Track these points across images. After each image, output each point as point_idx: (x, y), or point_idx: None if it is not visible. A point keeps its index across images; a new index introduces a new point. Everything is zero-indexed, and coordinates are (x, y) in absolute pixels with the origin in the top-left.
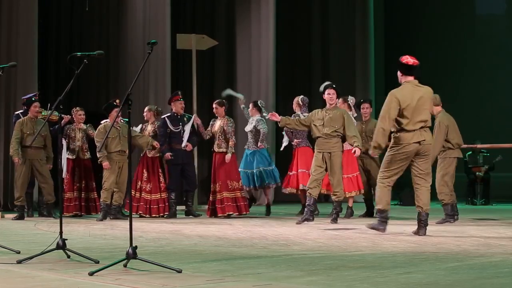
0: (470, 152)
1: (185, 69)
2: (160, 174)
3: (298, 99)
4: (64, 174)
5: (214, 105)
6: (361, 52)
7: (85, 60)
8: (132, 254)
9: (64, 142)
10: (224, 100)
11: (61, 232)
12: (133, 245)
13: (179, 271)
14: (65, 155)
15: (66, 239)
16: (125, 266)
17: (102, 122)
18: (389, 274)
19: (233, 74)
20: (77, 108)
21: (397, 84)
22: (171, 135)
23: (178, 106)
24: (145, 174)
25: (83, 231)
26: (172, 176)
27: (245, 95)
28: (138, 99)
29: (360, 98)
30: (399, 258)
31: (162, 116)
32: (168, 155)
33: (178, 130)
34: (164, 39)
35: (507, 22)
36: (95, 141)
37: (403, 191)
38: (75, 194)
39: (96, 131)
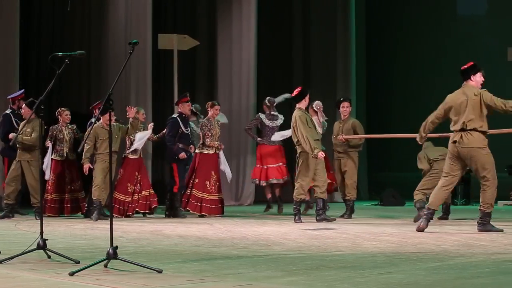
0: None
1: (167, 69)
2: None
3: (265, 100)
4: (48, 176)
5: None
6: (342, 52)
7: (66, 60)
8: (112, 254)
9: (49, 144)
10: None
11: (41, 233)
12: (114, 245)
13: (160, 271)
14: (49, 156)
15: (47, 239)
16: (105, 266)
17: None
18: (369, 274)
19: (214, 74)
20: (63, 108)
21: (378, 83)
22: (181, 136)
23: (186, 108)
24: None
25: (64, 231)
26: (181, 176)
27: (226, 95)
28: (119, 99)
29: (341, 97)
30: (379, 258)
31: (174, 116)
32: (183, 154)
33: (188, 131)
34: (145, 39)
35: (488, 22)
36: (85, 142)
37: (384, 192)
38: (67, 196)
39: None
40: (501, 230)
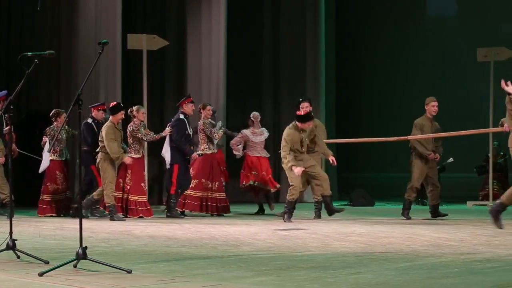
0: None
1: (136, 69)
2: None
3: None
4: (42, 170)
5: None
6: (311, 52)
7: (36, 60)
8: (82, 255)
9: (47, 140)
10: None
11: (11, 233)
12: (83, 245)
13: (129, 272)
14: (46, 153)
15: (16, 240)
16: (75, 266)
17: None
18: (339, 275)
19: (184, 74)
20: (59, 110)
21: (347, 83)
22: (187, 137)
23: (189, 108)
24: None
25: (33, 232)
26: (180, 177)
27: (195, 96)
28: (89, 99)
29: (312, 100)
30: (349, 259)
31: (181, 118)
32: (196, 154)
33: (191, 132)
34: (115, 39)
35: (457, 23)
36: (105, 141)
37: (353, 192)
38: (66, 194)
39: (105, 131)
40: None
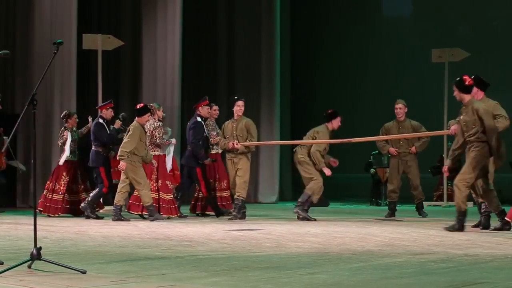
0: (376, 152)
1: (91, 69)
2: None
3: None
4: (62, 162)
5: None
6: (266, 53)
7: None
8: (36, 255)
9: (69, 136)
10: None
11: None
12: (38, 246)
13: (84, 272)
14: (68, 149)
15: None
16: (29, 267)
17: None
18: (293, 275)
19: (139, 74)
20: (70, 111)
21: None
22: (204, 140)
23: (205, 111)
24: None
25: None
26: (206, 179)
27: (150, 96)
28: (44, 99)
29: (267, 100)
30: (303, 259)
31: (198, 120)
32: (209, 161)
33: (207, 135)
34: (70, 39)
35: (413, 24)
36: (127, 138)
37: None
38: (82, 195)
39: (132, 131)
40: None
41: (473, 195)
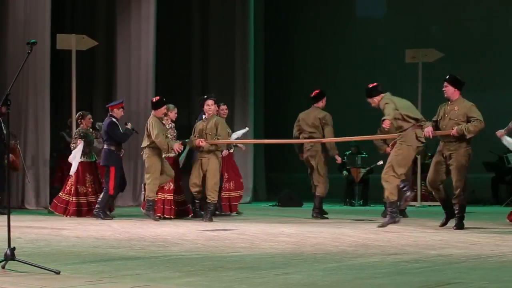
0: (350, 152)
1: (65, 69)
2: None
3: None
4: (72, 172)
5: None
6: (240, 52)
7: None
8: (10, 255)
9: (81, 144)
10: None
11: None
12: (12, 246)
13: (58, 273)
14: (79, 155)
15: None
16: (3, 267)
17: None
18: (267, 275)
19: (113, 74)
20: (84, 112)
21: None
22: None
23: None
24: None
25: None
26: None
27: (124, 96)
28: (17, 99)
29: (241, 100)
30: (277, 259)
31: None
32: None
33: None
34: (44, 39)
35: (387, 25)
36: (153, 133)
37: (281, 192)
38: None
39: (154, 124)
40: None
41: (435, 195)
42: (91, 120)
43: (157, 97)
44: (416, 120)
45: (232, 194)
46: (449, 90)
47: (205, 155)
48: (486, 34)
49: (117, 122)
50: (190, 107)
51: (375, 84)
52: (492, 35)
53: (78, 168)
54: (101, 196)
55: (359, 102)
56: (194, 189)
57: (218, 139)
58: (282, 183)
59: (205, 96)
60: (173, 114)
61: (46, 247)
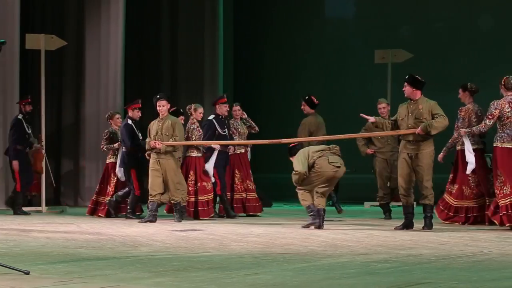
0: None
1: (34, 69)
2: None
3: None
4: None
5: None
6: (210, 53)
7: None
8: None
9: (120, 147)
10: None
11: None
12: None
13: (27, 273)
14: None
15: None
16: None
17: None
18: (236, 275)
19: (82, 74)
20: (112, 112)
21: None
22: (218, 137)
23: (223, 109)
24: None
25: None
26: (222, 178)
27: (93, 95)
28: None
29: (210, 100)
30: (246, 259)
31: (209, 118)
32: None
33: (225, 133)
34: (13, 39)
35: (356, 25)
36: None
37: None
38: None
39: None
40: None
41: (401, 196)
42: (119, 119)
43: (174, 108)
44: None
45: (251, 195)
46: (408, 90)
47: (162, 156)
48: (455, 34)
49: (132, 124)
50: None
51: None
52: (460, 35)
53: (107, 166)
54: (129, 198)
55: (329, 103)
56: (155, 193)
57: (175, 140)
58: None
59: (158, 96)
60: (198, 114)
61: (16, 247)
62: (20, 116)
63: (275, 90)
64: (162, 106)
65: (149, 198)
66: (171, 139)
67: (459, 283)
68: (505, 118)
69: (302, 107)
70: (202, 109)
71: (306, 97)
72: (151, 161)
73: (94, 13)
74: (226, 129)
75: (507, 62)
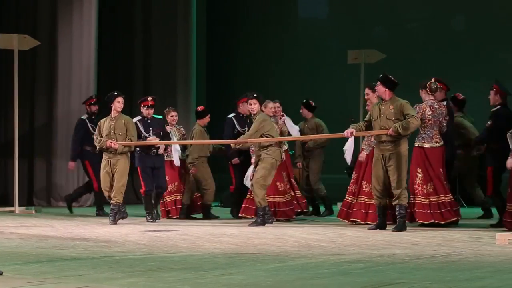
0: (293, 152)
1: (7, 69)
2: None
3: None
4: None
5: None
6: (182, 54)
7: None
8: None
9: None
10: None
11: None
12: None
13: (0, 273)
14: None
15: None
16: None
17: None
18: (210, 275)
19: (55, 74)
20: (170, 108)
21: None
22: (238, 136)
23: (245, 108)
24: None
25: None
26: (237, 178)
27: (65, 96)
28: None
29: (183, 99)
30: (220, 259)
31: (228, 116)
32: (236, 160)
33: (245, 131)
34: None
35: (329, 25)
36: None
37: (224, 193)
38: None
39: (195, 135)
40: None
41: (375, 197)
42: (175, 117)
43: (202, 107)
44: None
45: (297, 193)
46: (380, 90)
47: (114, 156)
48: (428, 35)
49: (139, 121)
50: (132, 107)
51: None
52: (434, 36)
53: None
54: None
55: (300, 99)
56: (107, 193)
57: (130, 140)
58: (225, 184)
59: (116, 93)
60: (269, 109)
61: None
62: (84, 117)
63: (247, 90)
64: (119, 103)
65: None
66: (126, 139)
67: (432, 283)
68: (426, 120)
69: (301, 111)
70: (276, 103)
71: (304, 101)
72: (102, 161)
73: (67, 13)
74: (246, 128)
75: (480, 62)
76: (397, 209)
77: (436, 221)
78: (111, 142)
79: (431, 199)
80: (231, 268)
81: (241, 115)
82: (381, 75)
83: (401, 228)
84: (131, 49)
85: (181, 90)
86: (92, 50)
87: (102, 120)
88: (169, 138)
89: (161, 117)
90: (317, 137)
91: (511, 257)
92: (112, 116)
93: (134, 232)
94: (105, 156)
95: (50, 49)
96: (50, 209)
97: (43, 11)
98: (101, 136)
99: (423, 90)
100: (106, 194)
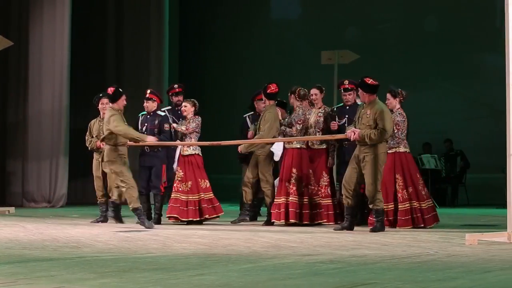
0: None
1: None
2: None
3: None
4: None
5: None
6: (155, 53)
7: None
8: None
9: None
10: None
11: None
12: None
13: None
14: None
15: None
16: None
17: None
18: (181, 276)
19: (27, 75)
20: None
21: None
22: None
23: (260, 105)
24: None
25: None
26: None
27: (36, 96)
28: None
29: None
30: (191, 260)
31: (244, 116)
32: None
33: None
34: None
35: (301, 26)
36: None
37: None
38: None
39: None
40: None
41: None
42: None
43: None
44: None
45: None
46: (360, 94)
47: (98, 155)
48: (401, 36)
49: (141, 116)
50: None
51: None
52: (407, 37)
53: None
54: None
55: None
56: (100, 193)
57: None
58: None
59: (101, 95)
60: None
61: None
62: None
63: (219, 90)
64: (104, 104)
65: (109, 201)
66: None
67: (404, 284)
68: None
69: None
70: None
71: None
72: (93, 162)
73: (39, 13)
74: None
75: (452, 62)
76: (374, 213)
77: (420, 225)
78: (100, 143)
79: (412, 205)
80: (203, 268)
81: (258, 114)
82: (359, 80)
83: (379, 229)
84: (104, 47)
85: (154, 87)
86: (64, 48)
87: (92, 121)
88: (168, 136)
89: (163, 113)
90: (324, 137)
91: (482, 258)
92: (101, 117)
93: (105, 233)
94: (95, 156)
95: (22, 50)
96: (23, 210)
97: (15, 11)
98: (92, 137)
99: (292, 96)
100: (99, 194)
